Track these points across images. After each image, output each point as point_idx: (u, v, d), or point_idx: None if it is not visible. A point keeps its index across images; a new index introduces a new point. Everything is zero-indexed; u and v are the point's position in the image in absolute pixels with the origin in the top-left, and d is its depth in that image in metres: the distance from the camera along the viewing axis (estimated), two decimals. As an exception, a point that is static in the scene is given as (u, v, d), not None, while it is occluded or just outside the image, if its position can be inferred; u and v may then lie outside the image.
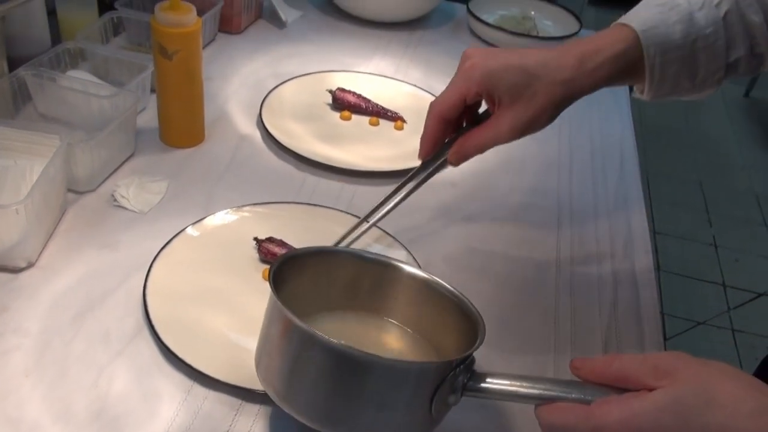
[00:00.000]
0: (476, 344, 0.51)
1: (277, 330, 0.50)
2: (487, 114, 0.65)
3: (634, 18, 0.61)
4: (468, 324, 0.55)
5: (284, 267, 0.54)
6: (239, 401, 0.59)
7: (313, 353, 0.48)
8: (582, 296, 0.75)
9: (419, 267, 0.71)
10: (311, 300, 0.58)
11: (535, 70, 0.60)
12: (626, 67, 0.61)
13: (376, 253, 0.62)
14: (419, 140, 0.65)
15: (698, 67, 0.61)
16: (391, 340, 0.60)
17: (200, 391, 0.60)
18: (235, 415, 0.58)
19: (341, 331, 0.59)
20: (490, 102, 0.62)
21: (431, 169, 0.68)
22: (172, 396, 0.59)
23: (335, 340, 0.46)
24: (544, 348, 0.69)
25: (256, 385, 0.58)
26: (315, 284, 0.59)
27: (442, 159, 0.67)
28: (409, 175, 0.69)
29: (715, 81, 0.62)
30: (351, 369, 0.47)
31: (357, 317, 0.60)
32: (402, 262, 0.60)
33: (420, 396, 0.48)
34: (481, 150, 0.64)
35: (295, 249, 0.59)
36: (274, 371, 0.51)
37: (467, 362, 0.49)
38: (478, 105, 0.66)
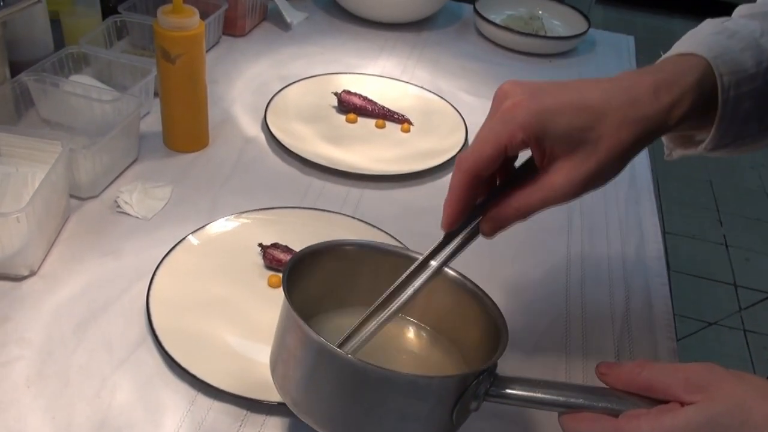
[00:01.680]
0: (499, 350, 0.49)
1: (292, 340, 0.49)
2: (527, 168, 0.51)
3: (696, 45, 0.50)
4: (488, 321, 0.53)
5: (298, 266, 0.52)
6: (244, 411, 0.58)
7: (329, 367, 0.46)
8: (593, 301, 0.73)
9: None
10: (328, 296, 0.57)
11: (599, 107, 0.47)
12: (702, 103, 0.49)
13: (394, 246, 0.59)
14: (443, 206, 0.51)
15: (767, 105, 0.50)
16: (411, 338, 0.59)
17: (204, 401, 0.59)
18: (240, 425, 0.57)
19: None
20: (539, 153, 0.48)
21: (458, 242, 0.53)
22: (176, 407, 0.58)
23: (351, 357, 0.45)
24: (555, 354, 0.67)
25: (262, 395, 0.57)
26: (332, 280, 0.57)
27: (470, 229, 0.52)
28: (430, 250, 0.54)
29: None
30: (369, 384, 0.46)
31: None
32: (422, 254, 0.56)
33: (442, 407, 0.47)
34: (526, 215, 0.50)
35: (308, 246, 0.54)
36: (290, 380, 0.49)
37: (490, 369, 0.48)
38: (515, 157, 0.51)
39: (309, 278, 0.54)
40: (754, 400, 0.41)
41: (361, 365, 0.45)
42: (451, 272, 0.56)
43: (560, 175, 0.48)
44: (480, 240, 0.77)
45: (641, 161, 0.96)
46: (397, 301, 0.53)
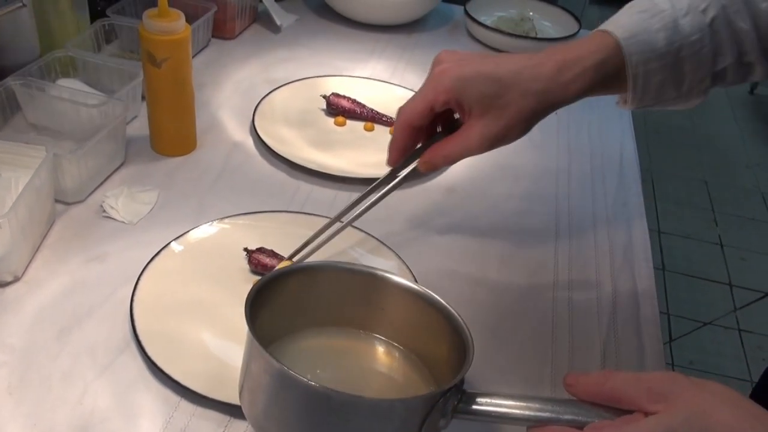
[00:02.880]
0: (464, 367, 0.49)
1: (256, 367, 0.49)
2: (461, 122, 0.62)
3: (616, 25, 0.58)
4: (457, 337, 0.53)
5: (265, 289, 0.52)
6: (227, 418, 0.58)
7: (292, 393, 0.46)
8: (580, 306, 0.73)
9: (411, 274, 0.70)
10: (296, 317, 0.57)
11: (507, 79, 0.57)
12: (607, 78, 0.58)
13: (361, 265, 0.60)
14: (388, 148, 0.63)
15: (683, 75, 0.58)
16: (380, 356, 0.58)
17: (187, 407, 0.58)
18: (223, 431, 0.57)
19: (328, 349, 0.58)
20: (461, 111, 0.60)
21: (402, 175, 0.66)
22: (159, 412, 0.58)
23: (314, 382, 0.45)
24: (540, 360, 0.67)
25: (244, 401, 0.57)
26: (299, 301, 0.57)
27: (413, 165, 0.64)
28: (378, 180, 0.67)
29: (702, 90, 0.60)
30: (332, 409, 0.46)
31: (344, 332, 0.58)
32: (389, 272, 0.58)
33: (407, 428, 0.47)
34: (451, 161, 0.62)
35: (272, 271, 0.56)
36: (256, 407, 0.50)
37: (456, 386, 0.48)
38: (453, 111, 0.63)
39: (276, 302, 0.54)
40: (714, 408, 0.41)
41: (323, 390, 0.45)
42: (420, 289, 0.56)
43: (475, 131, 0.59)
44: (467, 242, 0.79)
45: (630, 163, 0.96)
46: (351, 213, 0.68)
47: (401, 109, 0.61)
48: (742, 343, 2.03)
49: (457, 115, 0.63)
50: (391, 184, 0.66)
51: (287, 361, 0.46)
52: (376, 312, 0.58)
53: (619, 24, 0.58)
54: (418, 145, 0.64)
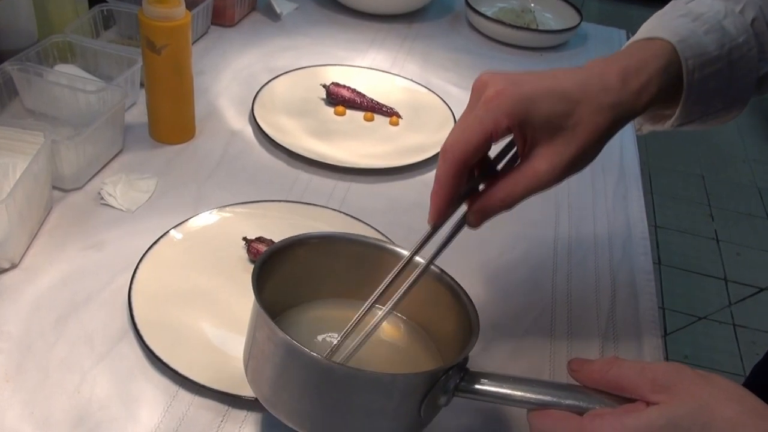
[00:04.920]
0: (469, 346, 0.49)
1: (261, 336, 0.49)
2: (502, 158, 0.53)
3: (661, 29, 0.52)
4: (464, 316, 0.53)
5: (271, 259, 0.53)
6: (225, 407, 0.58)
7: (296, 364, 0.47)
8: (579, 298, 0.73)
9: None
10: (304, 288, 0.57)
11: (575, 93, 0.48)
12: (668, 86, 0.51)
13: (370, 237, 0.59)
14: (431, 198, 0.51)
15: (733, 81, 0.53)
16: (387, 328, 0.58)
17: (186, 396, 0.58)
18: (221, 421, 0.57)
19: (334, 320, 0.58)
20: (521, 139, 0.50)
21: (445, 236, 0.53)
22: (157, 401, 0.57)
23: (317, 354, 0.45)
24: (540, 351, 0.67)
25: (243, 391, 0.57)
26: (307, 272, 0.57)
27: (456, 222, 0.53)
28: (419, 244, 0.54)
29: (744, 100, 0.55)
30: (334, 381, 0.46)
31: (351, 304, 0.58)
32: (398, 246, 0.57)
33: (408, 403, 0.47)
34: (512, 204, 0.50)
35: (280, 240, 0.55)
36: (261, 375, 0.50)
37: (459, 364, 0.48)
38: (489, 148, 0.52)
39: (283, 271, 0.54)
40: (717, 402, 0.40)
41: (326, 363, 0.45)
42: (425, 262, 0.55)
43: (543, 161, 0.49)
44: (467, 235, 0.76)
45: (630, 156, 0.96)
46: (388, 303, 0.53)
47: (449, 147, 0.49)
48: (736, 337, 2.04)
49: (493, 155, 0.53)
50: (436, 247, 0.53)
51: (293, 332, 0.47)
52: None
53: (665, 28, 0.52)
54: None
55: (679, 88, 0.52)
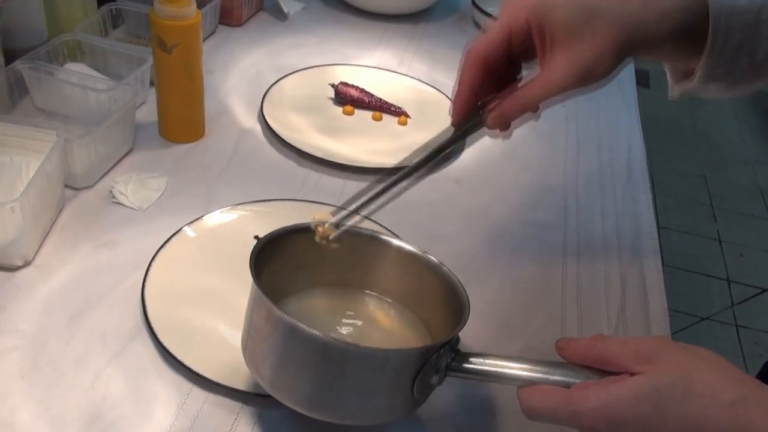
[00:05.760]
0: (460, 325, 0.50)
1: (259, 317, 0.50)
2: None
3: None
4: (455, 299, 0.54)
5: (267, 247, 0.54)
6: (239, 404, 0.58)
7: (294, 343, 0.48)
8: (589, 297, 0.73)
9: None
10: (298, 277, 0.58)
11: (595, 6, 0.50)
12: (689, 29, 0.52)
13: (362, 227, 0.59)
14: (452, 98, 0.54)
15: (761, 40, 0.53)
16: (380, 317, 0.60)
17: (199, 394, 0.58)
18: (235, 419, 0.57)
19: (329, 308, 0.59)
20: (540, 41, 0.52)
21: (463, 138, 0.55)
22: (171, 399, 0.58)
23: (315, 331, 0.46)
24: (549, 352, 0.67)
25: (257, 388, 0.57)
26: (301, 261, 0.58)
27: (474, 124, 0.55)
28: (442, 142, 0.56)
29: None
30: (331, 358, 0.47)
31: (344, 292, 0.60)
32: (389, 235, 0.60)
33: (401, 381, 0.48)
34: (530, 106, 0.53)
35: (277, 229, 0.56)
36: (259, 357, 0.51)
37: (451, 343, 0.49)
38: (518, 68, 0.55)
39: (277, 260, 0.55)
40: (699, 371, 0.41)
41: (322, 338, 0.47)
42: (419, 252, 0.58)
43: (559, 67, 0.51)
44: (476, 233, 0.77)
45: (638, 157, 0.96)
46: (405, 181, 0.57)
47: (472, 44, 0.52)
48: (739, 338, 2.04)
49: (523, 73, 0.56)
50: (452, 147, 0.56)
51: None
52: (379, 275, 0.60)
53: None
54: (480, 101, 0.55)
55: (704, 37, 0.52)
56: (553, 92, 0.52)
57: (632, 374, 0.42)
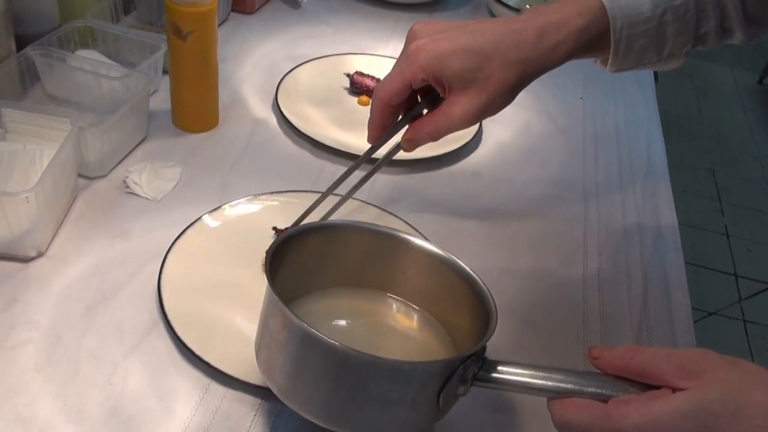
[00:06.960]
0: (488, 334, 0.48)
1: (275, 323, 0.48)
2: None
3: None
4: (481, 306, 0.52)
5: (285, 246, 0.52)
6: (259, 400, 0.57)
7: (312, 352, 0.45)
8: (611, 294, 0.72)
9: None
10: (316, 276, 0.56)
11: (487, 50, 0.55)
12: (590, 42, 0.57)
13: (383, 226, 0.58)
14: (367, 125, 0.62)
15: (666, 40, 0.58)
16: (400, 319, 0.58)
17: (218, 389, 0.57)
18: (255, 415, 0.56)
19: (347, 309, 0.57)
20: (440, 88, 0.57)
21: (387, 151, 0.64)
22: (189, 394, 0.56)
23: (334, 341, 0.44)
24: (572, 348, 0.66)
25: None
26: (320, 260, 0.56)
27: (397, 142, 0.63)
28: (360, 158, 0.66)
29: (683, 54, 0.60)
30: (352, 369, 0.45)
31: (364, 294, 0.57)
32: (412, 235, 0.57)
33: (427, 392, 0.46)
34: (435, 138, 0.60)
35: (291, 229, 0.55)
36: (275, 365, 0.49)
37: (478, 353, 0.47)
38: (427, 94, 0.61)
39: (293, 260, 0.53)
40: (748, 388, 0.39)
41: (344, 350, 0.44)
42: (444, 254, 0.55)
43: (457, 107, 0.57)
44: (495, 228, 0.77)
45: (657, 153, 0.95)
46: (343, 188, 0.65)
47: (378, 87, 0.59)
48: (746, 333, 2.03)
49: None
50: (380, 160, 0.66)
51: (305, 320, 0.45)
52: (398, 275, 0.57)
53: None
54: (399, 118, 0.62)
55: (608, 44, 0.57)
56: (452, 129, 0.58)
57: (674, 389, 0.41)
